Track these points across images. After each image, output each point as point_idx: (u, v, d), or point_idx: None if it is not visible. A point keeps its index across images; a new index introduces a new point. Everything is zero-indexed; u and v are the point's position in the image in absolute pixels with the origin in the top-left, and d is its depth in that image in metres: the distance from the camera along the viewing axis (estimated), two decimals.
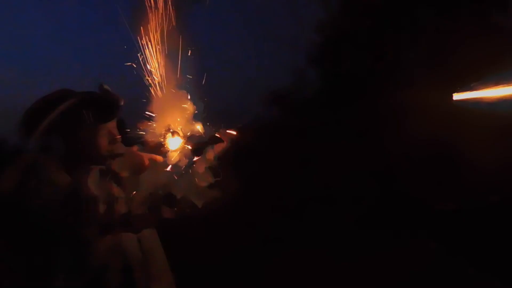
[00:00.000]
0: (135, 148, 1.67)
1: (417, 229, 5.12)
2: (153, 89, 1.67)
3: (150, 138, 1.68)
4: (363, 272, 4.33)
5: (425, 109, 5.54)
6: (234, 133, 1.80)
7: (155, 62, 1.65)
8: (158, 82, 1.66)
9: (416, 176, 5.63)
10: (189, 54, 1.69)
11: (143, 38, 1.63)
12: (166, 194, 1.72)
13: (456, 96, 1.90)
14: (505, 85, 1.83)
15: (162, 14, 1.64)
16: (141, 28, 1.63)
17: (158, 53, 1.65)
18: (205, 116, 1.75)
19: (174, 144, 1.69)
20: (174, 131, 1.68)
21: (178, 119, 1.70)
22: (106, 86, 1.61)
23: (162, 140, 1.68)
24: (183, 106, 1.70)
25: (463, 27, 5.90)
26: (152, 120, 1.69)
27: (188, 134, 1.72)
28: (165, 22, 1.64)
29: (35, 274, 1.37)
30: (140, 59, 1.64)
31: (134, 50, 1.60)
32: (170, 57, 1.64)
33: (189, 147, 1.72)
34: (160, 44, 1.65)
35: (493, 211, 5.02)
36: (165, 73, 1.66)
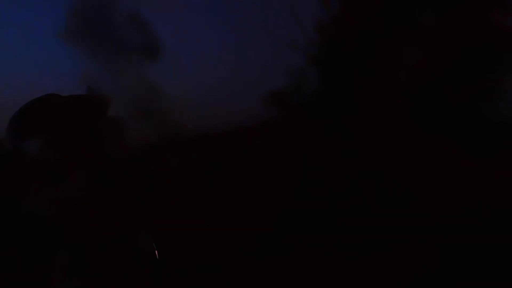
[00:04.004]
0: None
1: (416, 230, 5.12)
2: None
3: None
4: (362, 272, 4.33)
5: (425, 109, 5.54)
6: None
7: None
8: None
9: (415, 177, 5.62)
10: None
11: None
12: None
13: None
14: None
15: None
16: None
17: None
18: None
19: None
20: None
21: None
22: (94, 87, 1.60)
23: None
24: None
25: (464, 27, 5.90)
26: None
27: None
28: None
29: (35, 275, 1.37)
30: None
31: None
32: None
33: None
34: None
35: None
36: None
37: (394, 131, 5.84)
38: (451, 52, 5.94)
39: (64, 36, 5.49)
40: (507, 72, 5.79)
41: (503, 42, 5.77)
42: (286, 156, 6.57)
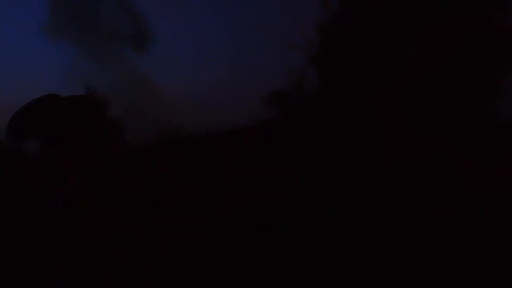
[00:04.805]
0: None
1: (416, 230, 5.12)
2: None
3: None
4: (363, 272, 4.32)
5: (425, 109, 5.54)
6: None
7: None
8: None
9: (415, 177, 5.62)
10: None
11: None
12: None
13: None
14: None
15: None
16: None
17: None
18: None
19: None
20: None
21: None
22: (93, 88, 1.60)
23: None
24: None
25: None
26: None
27: None
28: None
29: (35, 275, 1.36)
30: None
31: None
32: None
33: None
34: None
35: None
36: None
37: (394, 131, 5.84)
38: (451, 52, 5.94)
39: (50, 30, 5.31)
40: (507, 72, 5.80)
41: (503, 42, 5.77)
42: (286, 156, 6.56)
